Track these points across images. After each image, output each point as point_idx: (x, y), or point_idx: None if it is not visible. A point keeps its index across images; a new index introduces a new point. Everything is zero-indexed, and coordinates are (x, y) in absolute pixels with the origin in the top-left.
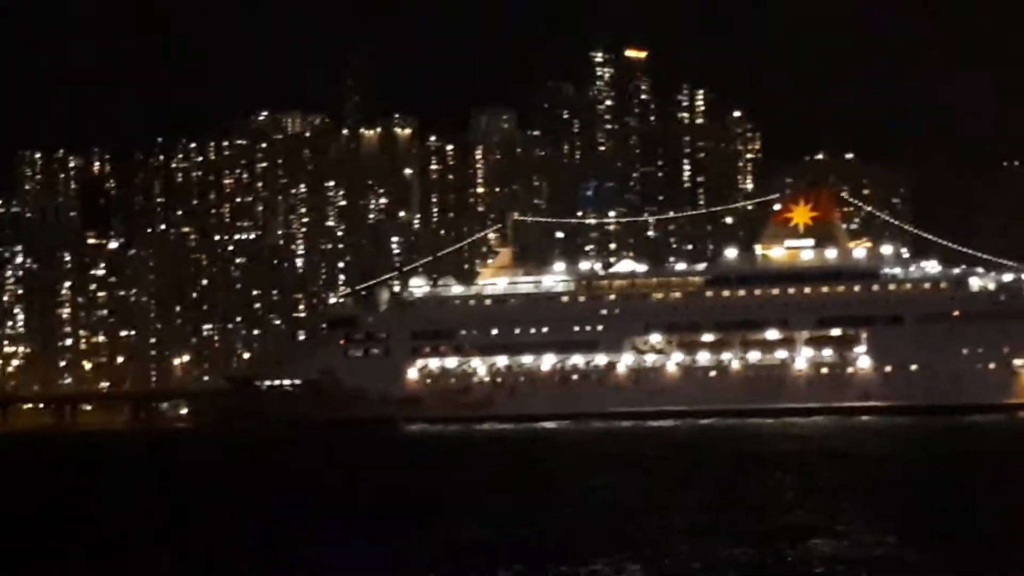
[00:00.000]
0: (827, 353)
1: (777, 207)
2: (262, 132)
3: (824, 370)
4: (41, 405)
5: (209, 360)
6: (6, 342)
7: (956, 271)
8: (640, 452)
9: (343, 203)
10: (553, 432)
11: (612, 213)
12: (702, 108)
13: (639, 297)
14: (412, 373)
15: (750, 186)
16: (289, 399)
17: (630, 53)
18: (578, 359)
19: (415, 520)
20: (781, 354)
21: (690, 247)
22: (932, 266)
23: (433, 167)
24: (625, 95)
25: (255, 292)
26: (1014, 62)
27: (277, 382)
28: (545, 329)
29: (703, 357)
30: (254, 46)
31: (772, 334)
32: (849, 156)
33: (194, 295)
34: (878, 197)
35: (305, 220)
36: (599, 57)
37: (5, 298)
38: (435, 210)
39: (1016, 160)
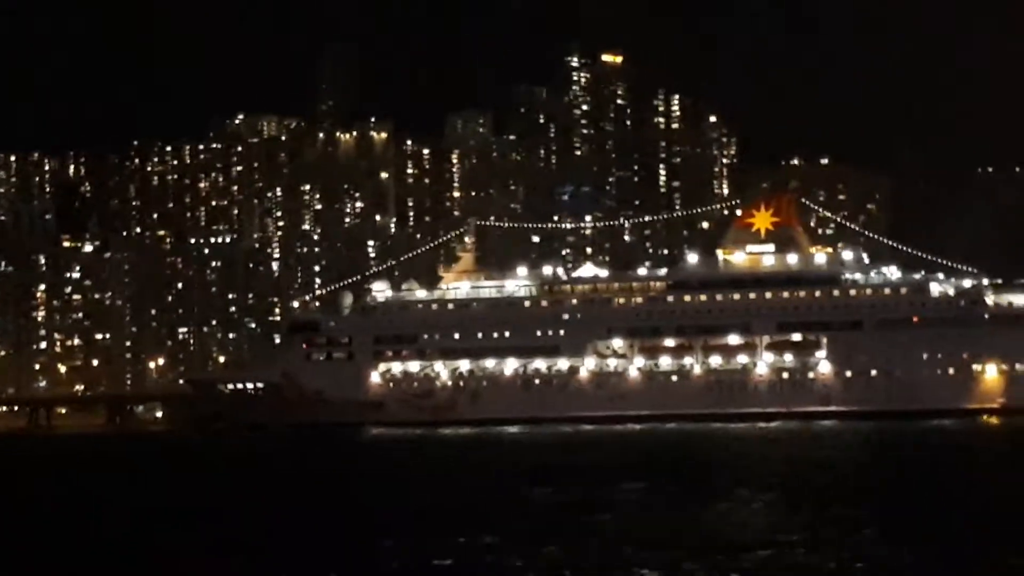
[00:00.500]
0: (788, 358)
1: (739, 212)
2: (238, 135)
3: (785, 375)
4: (15, 408)
5: (184, 363)
6: None
7: (916, 277)
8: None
9: (319, 207)
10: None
11: (588, 218)
12: (678, 113)
13: (601, 302)
14: (375, 377)
15: (726, 191)
16: (251, 402)
17: (606, 58)
18: (540, 364)
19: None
20: (742, 359)
21: (666, 252)
22: (892, 272)
23: (409, 171)
24: (601, 100)
25: (231, 295)
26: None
27: (240, 385)
28: (507, 333)
29: (665, 362)
30: (230, 49)
31: (733, 339)
32: (824, 161)
33: (169, 298)
34: (854, 202)
35: (281, 224)
36: (575, 62)
37: None
38: (411, 214)
39: (990, 166)
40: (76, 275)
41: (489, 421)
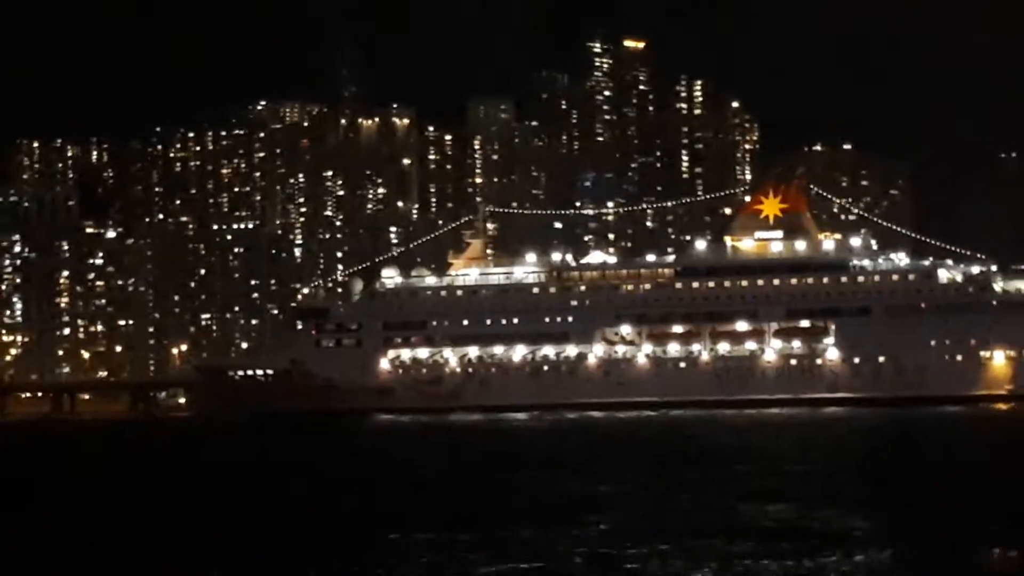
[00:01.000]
0: (796, 345)
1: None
2: (260, 122)
3: (793, 362)
4: (39, 394)
5: (207, 349)
6: (4, 331)
7: (925, 263)
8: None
9: (341, 193)
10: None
11: (610, 204)
12: (700, 99)
13: (609, 288)
14: (384, 364)
15: (748, 176)
16: (261, 389)
17: (628, 43)
18: (549, 350)
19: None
20: (750, 345)
21: (687, 238)
22: (901, 258)
23: (431, 157)
24: (623, 85)
25: (253, 281)
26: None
27: (249, 372)
28: (516, 320)
29: (673, 348)
30: (253, 36)
31: (741, 325)
32: (847, 147)
33: (192, 284)
34: (877, 188)
35: (303, 210)
36: (597, 47)
37: (3, 287)
38: (433, 200)
39: (1014, 152)
40: (99, 261)
41: (497, 408)
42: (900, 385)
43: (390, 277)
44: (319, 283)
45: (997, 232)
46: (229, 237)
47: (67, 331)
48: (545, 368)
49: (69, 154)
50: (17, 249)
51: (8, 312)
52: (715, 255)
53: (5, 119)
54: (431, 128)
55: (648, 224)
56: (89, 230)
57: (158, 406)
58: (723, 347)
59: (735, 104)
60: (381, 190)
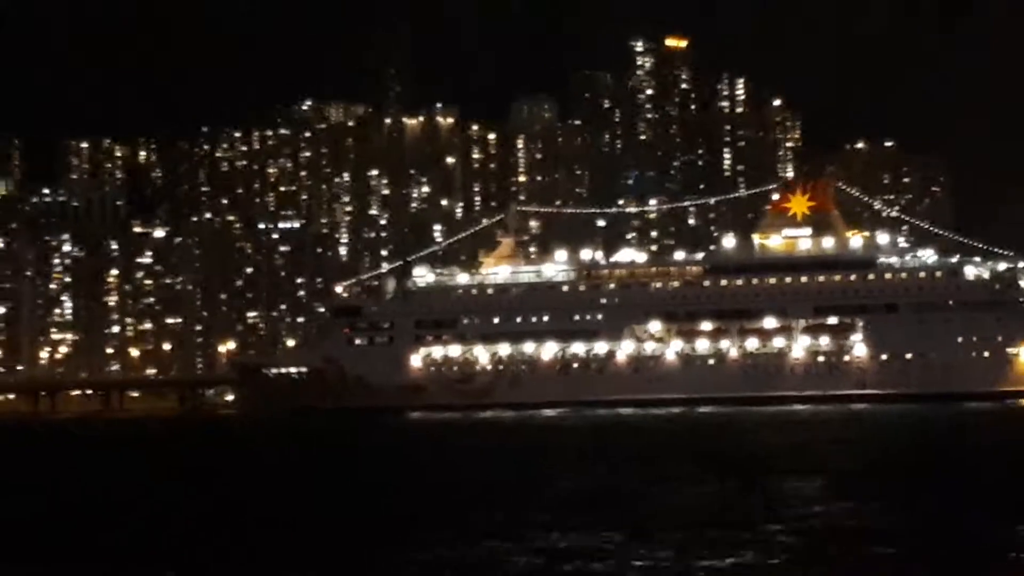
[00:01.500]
0: (824, 341)
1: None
2: (306, 121)
3: (821, 358)
4: (88, 392)
5: (254, 347)
6: (54, 329)
7: (952, 260)
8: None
9: (386, 191)
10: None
11: (653, 201)
12: (742, 97)
13: (639, 286)
14: (415, 361)
15: (790, 174)
16: (295, 387)
17: (670, 42)
18: (579, 347)
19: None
20: (779, 342)
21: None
22: (928, 255)
23: (475, 155)
24: (665, 84)
25: (299, 280)
26: None
27: (284, 370)
28: (546, 318)
29: (701, 345)
30: (298, 36)
31: (770, 323)
32: (889, 144)
33: (239, 283)
34: (919, 186)
35: (348, 208)
36: (639, 46)
37: (53, 286)
38: (477, 198)
39: None
40: (147, 260)
41: (527, 405)
42: (927, 382)
43: (422, 276)
44: (354, 280)
45: None
46: (275, 236)
47: (116, 329)
48: (575, 365)
49: (117, 154)
50: (66, 248)
51: (58, 311)
52: (743, 253)
53: (54, 119)
54: (475, 127)
55: (691, 222)
56: (137, 229)
57: (206, 404)
58: (751, 344)
59: (777, 102)
60: (425, 189)
